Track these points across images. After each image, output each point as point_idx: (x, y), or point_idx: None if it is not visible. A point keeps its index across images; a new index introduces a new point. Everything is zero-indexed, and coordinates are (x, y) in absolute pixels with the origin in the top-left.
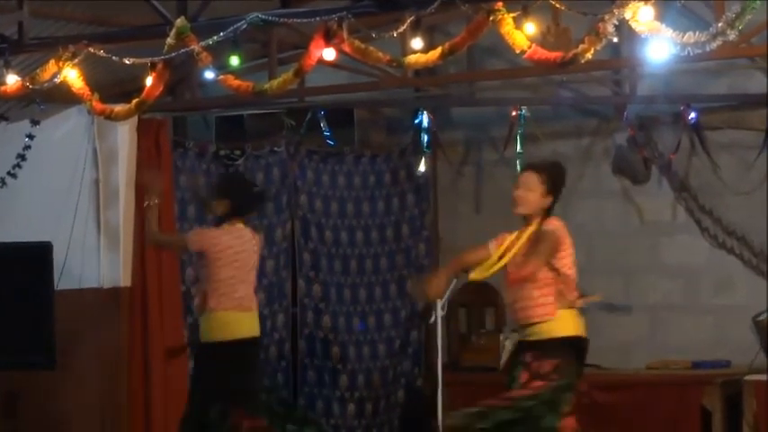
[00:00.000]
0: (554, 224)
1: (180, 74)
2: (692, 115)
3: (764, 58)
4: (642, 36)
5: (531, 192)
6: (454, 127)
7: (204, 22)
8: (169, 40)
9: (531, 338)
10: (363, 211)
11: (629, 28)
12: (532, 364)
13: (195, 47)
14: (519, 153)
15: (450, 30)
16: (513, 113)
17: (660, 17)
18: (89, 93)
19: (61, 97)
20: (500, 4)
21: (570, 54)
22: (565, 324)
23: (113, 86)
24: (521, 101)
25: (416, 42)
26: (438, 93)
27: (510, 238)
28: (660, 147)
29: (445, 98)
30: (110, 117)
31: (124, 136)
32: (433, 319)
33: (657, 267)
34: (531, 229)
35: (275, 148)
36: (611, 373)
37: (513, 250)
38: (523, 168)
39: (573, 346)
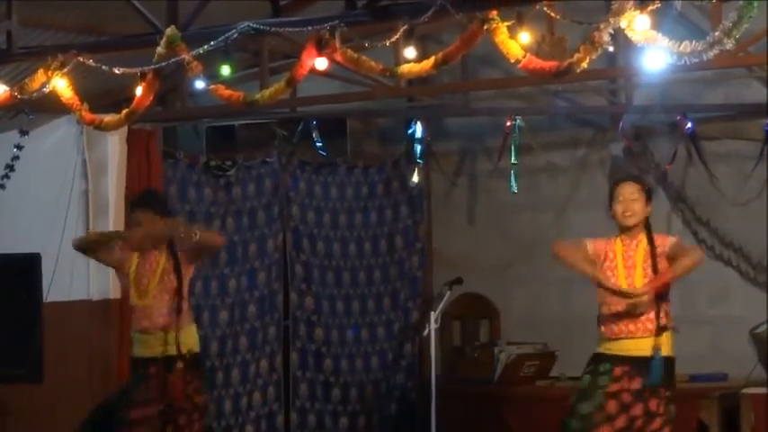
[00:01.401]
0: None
1: (170, 83)
2: (689, 125)
3: (762, 67)
4: (638, 45)
5: (637, 202)
6: (448, 137)
7: (195, 31)
8: (159, 50)
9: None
10: (356, 223)
11: (625, 37)
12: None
13: (185, 56)
14: (514, 164)
15: (443, 39)
16: (508, 123)
17: (656, 26)
18: (78, 102)
19: (50, 107)
20: (494, 12)
21: (565, 63)
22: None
23: (102, 96)
24: (515, 111)
25: (410, 51)
26: (432, 102)
27: (618, 247)
28: (656, 157)
29: (439, 108)
30: (99, 127)
31: (114, 146)
32: (426, 331)
33: None
34: (642, 239)
35: (267, 159)
36: None
37: (639, 263)
38: (620, 180)
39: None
